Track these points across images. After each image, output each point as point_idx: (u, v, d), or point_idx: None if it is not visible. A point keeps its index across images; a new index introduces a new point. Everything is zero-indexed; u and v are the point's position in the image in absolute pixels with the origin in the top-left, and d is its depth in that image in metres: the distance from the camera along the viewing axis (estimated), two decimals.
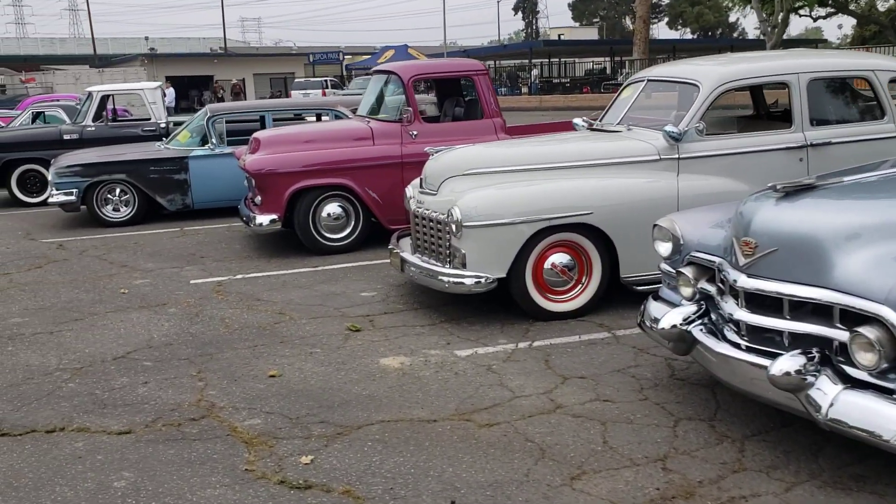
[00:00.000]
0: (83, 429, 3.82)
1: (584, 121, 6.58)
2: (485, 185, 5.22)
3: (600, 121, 6.35)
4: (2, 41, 69.14)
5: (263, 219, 7.30)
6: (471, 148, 5.72)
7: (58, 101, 21.29)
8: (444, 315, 5.42)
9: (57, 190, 9.12)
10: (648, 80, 5.93)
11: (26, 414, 4.03)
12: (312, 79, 36.81)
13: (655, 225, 4.05)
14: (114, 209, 9.38)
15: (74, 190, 9.13)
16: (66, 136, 11.24)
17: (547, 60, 47.45)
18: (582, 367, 4.39)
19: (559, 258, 5.14)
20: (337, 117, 9.87)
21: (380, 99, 8.31)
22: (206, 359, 4.76)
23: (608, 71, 46.05)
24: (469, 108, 8.11)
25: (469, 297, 5.43)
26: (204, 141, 9.56)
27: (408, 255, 5.57)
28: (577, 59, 52.42)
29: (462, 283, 5.07)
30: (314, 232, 7.38)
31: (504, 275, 5.03)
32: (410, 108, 7.43)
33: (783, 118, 5.94)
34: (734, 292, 3.35)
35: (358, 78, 37.39)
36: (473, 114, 7.92)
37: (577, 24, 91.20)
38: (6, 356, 4.95)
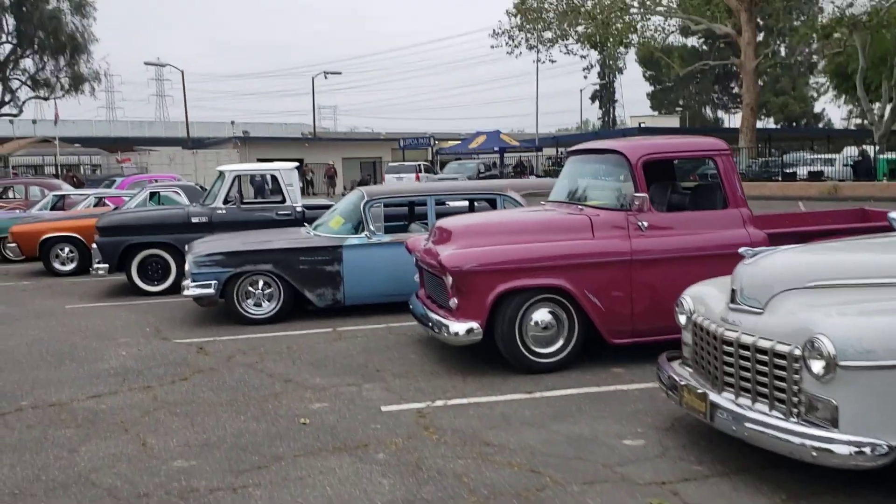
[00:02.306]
0: None
1: None
2: (854, 304, 3.67)
3: None
4: (94, 124, 72.00)
5: (460, 327, 5.86)
6: (812, 251, 4.21)
7: (153, 180, 20.84)
8: (784, 487, 3.79)
9: (194, 281, 7.92)
10: None
11: None
12: (406, 163, 36.28)
13: None
14: (255, 304, 8.12)
15: (214, 282, 7.91)
16: (194, 219, 10.20)
17: None
18: None
19: None
20: (507, 203, 8.55)
21: (585, 183, 6.95)
22: None
23: None
24: (701, 195, 6.66)
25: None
26: (358, 228, 8.32)
27: (723, 400, 3.99)
28: None
29: (830, 452, 3.46)
30: (520, 345, 5.91)
31: None
32: (643, 195, 6.00)
33: None
34: None
35: (454, 162, 36.82)
36: (710, 202, 6.44)
37: (656, 113, 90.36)
38: None
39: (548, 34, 32.36)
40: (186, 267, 8.04)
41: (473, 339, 5.89)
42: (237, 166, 10.78)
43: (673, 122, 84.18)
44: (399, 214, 9.83)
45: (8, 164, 50.53)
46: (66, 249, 12.40)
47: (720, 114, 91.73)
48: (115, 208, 13.33)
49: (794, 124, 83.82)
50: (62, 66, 48.22)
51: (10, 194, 21.25)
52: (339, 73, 58.66)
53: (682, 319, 4.59)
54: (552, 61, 33.06)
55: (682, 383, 4.28)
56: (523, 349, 5.92)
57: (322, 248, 8.16)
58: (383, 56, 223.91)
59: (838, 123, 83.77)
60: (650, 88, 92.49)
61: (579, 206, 6.46)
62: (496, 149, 40.12)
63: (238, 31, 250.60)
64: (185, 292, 7.98)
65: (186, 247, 8.72)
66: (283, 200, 10.69)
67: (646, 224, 6.06)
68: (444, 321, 6.02)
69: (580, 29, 33.19)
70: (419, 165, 35.08)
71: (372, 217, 8.29)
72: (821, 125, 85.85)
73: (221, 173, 10.66)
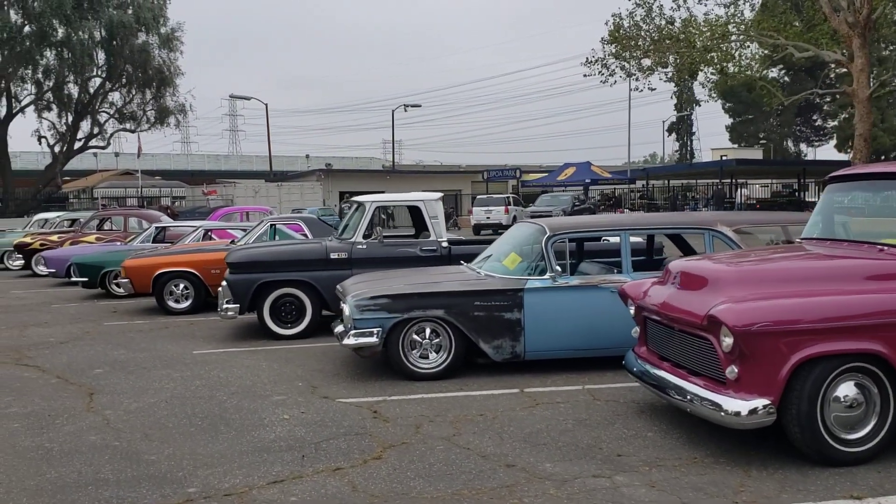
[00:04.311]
0: None
1: None
2: None
3: None
4: (172, 157, 73.33)
5: (742, 405, 4.45)
6: None
7: (245, 212, 20.05)
8: None
9: (355, 328, 6.74)
10: None
11: None
12: (495, 195, 35.10)
13: None
14: (421, 356, 6.89)
15: (378, 329, 6.72)
16: (332, 255, 9.10)
17: (731, 180, 44.13)
18: None
19: None
20: (716, 241, 7.16)
21: (862, 217, 5.54)
22: None
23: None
24: None
25: None
26: (537, 267, 7.04)
27: None
28: (748, 180, 49.06)
29: None
30: (822, 428, 4.48)
31: None
32: None
33: None
34: None
35: (545, 195, 35.52)
36: None
37: (736, 146, 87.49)
38: None
39: (646, 61, 31.02)
40: (346, 312, 6.86)
41: (762, 421, 4.48)
42: (378, 197, 9.63)
43: (756, 154, 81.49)
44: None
45: (93, 196, 51.42)
46: (181, 286, 11.46)
47: (802, 146, 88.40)
48: (232, 241, 12.41)
49: (883, 157, 80.00)
50: (148, 100, 48.96)
51: (108, 226, 20.77)
52: (419, 106, 58.04)
53: None
54: (651, 89, 31.65)
55: None
56: (826, 434, 4.50)
57: (500, 292, 6.89)
58: (443, 92, 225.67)
59: None
60: (728, 121, 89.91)
61: (878, 246, 5.04)
62: (586, 181, 38.68)
63: (302, 67, 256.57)
64: (346, 341, 6.79)
65: (339, 287, 7.58)
66: (425, 234, 9.53)
67: None
68: (713, 396, 4.64)
69: (676, 57, 31.71)
70: (508, 198, 33.80)
71: (556, 256, 7.01)
72: None
73: (360, 204, 9.55)
